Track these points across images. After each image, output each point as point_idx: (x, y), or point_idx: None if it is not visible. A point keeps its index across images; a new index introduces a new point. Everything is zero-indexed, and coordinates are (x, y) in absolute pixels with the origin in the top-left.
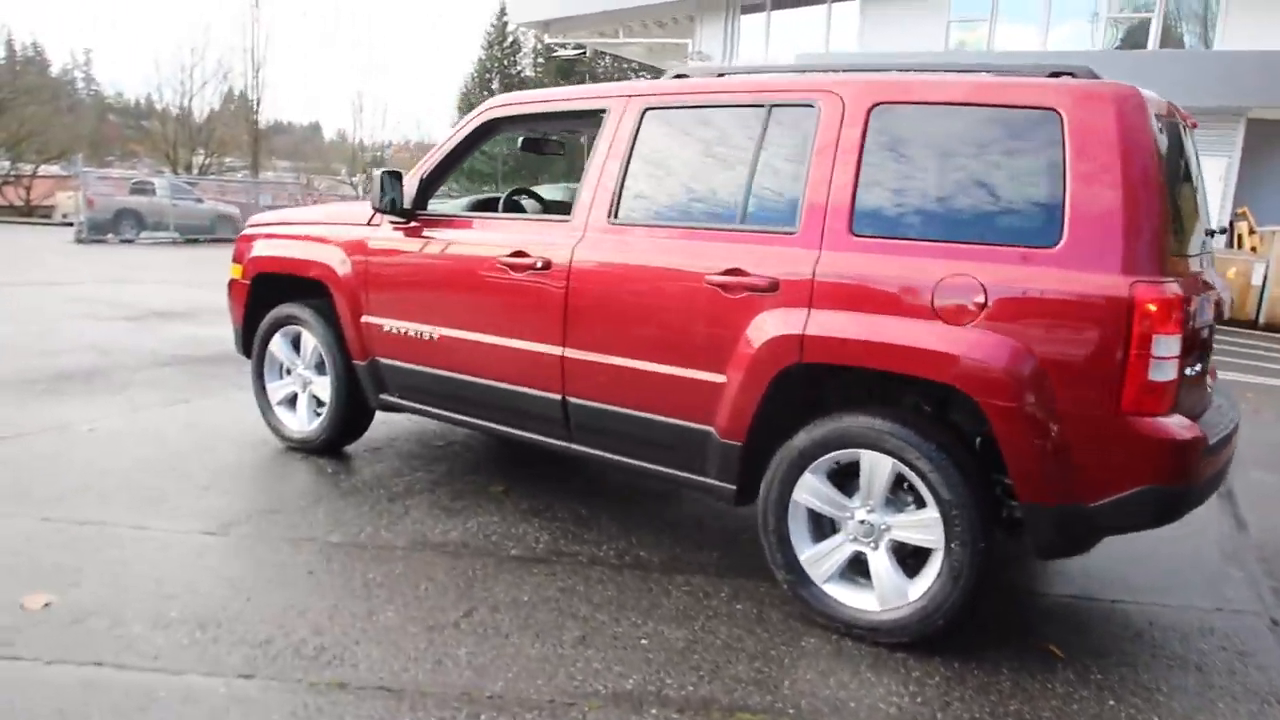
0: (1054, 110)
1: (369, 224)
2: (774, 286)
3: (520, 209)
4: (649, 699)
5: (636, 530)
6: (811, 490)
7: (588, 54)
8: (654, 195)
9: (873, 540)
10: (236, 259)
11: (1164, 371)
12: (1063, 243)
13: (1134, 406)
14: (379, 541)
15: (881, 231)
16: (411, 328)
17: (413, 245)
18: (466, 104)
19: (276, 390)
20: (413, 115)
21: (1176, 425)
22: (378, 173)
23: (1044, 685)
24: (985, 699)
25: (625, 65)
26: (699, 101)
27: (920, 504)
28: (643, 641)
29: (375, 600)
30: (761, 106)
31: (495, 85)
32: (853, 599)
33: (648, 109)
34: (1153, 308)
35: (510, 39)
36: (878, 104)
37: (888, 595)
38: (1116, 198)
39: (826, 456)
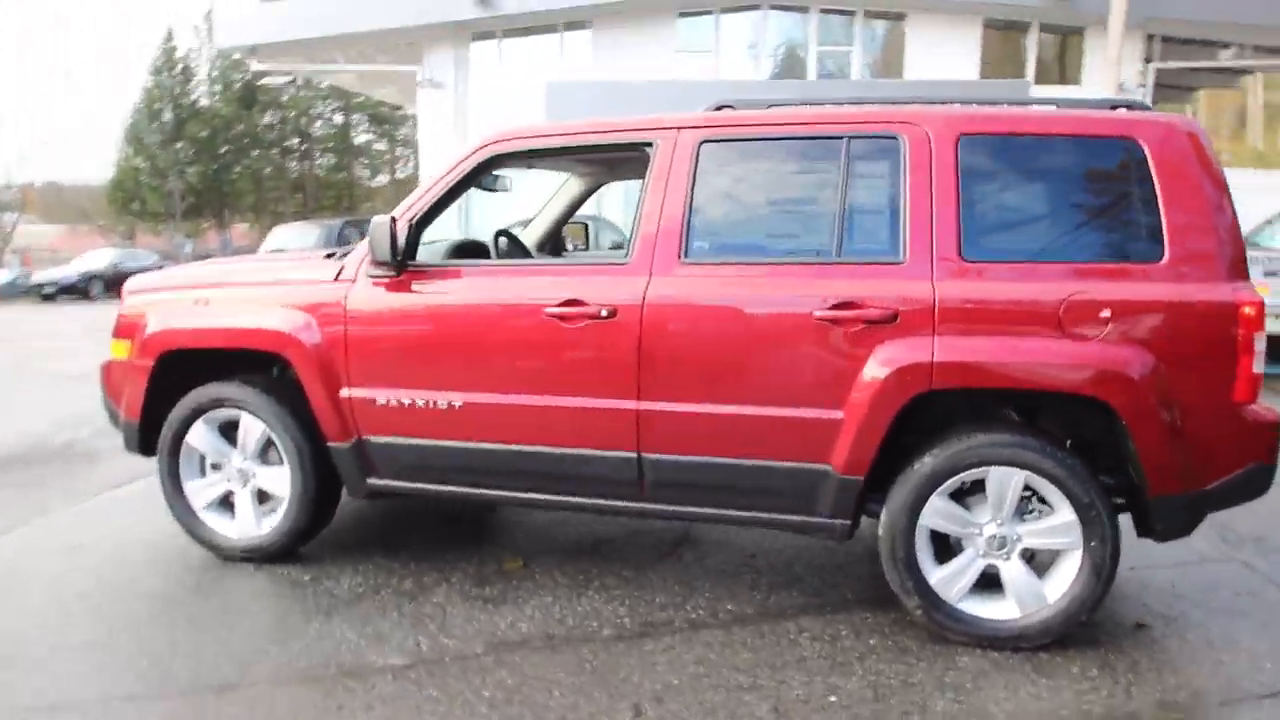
0: (1135, 140)
1: (337, 280)
2: (894, 317)
3: (519, 251)
4: None
5: (694, 582)
6: (939, 512)
7: (298, 81)
8: (731, 231)
9: (1005, 552)
10: (122, 334)
11: (1260, 364)
12: (1166, 258)
13: (1244, 397)
14: (450, 652)
15: (990, 257)
16: (422, 397)
17: (415, 302)
18: (134, 135)
19: (200, 491)
20: (61, 152)
21: (1268, 410)
22: (378, 219)
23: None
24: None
25: (313, 94)
26: (768, 134)
27: (1047, 511)
28: (831, 699)
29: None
30: (840, 139)
31: (167, 115)
32: (990, 611)
33: (705, 141)
34: (1250, 311)
35: (180, 65)
36: (963, 134)
37: (1026, 601)
38: (1209, 219)
39: (955, 478)
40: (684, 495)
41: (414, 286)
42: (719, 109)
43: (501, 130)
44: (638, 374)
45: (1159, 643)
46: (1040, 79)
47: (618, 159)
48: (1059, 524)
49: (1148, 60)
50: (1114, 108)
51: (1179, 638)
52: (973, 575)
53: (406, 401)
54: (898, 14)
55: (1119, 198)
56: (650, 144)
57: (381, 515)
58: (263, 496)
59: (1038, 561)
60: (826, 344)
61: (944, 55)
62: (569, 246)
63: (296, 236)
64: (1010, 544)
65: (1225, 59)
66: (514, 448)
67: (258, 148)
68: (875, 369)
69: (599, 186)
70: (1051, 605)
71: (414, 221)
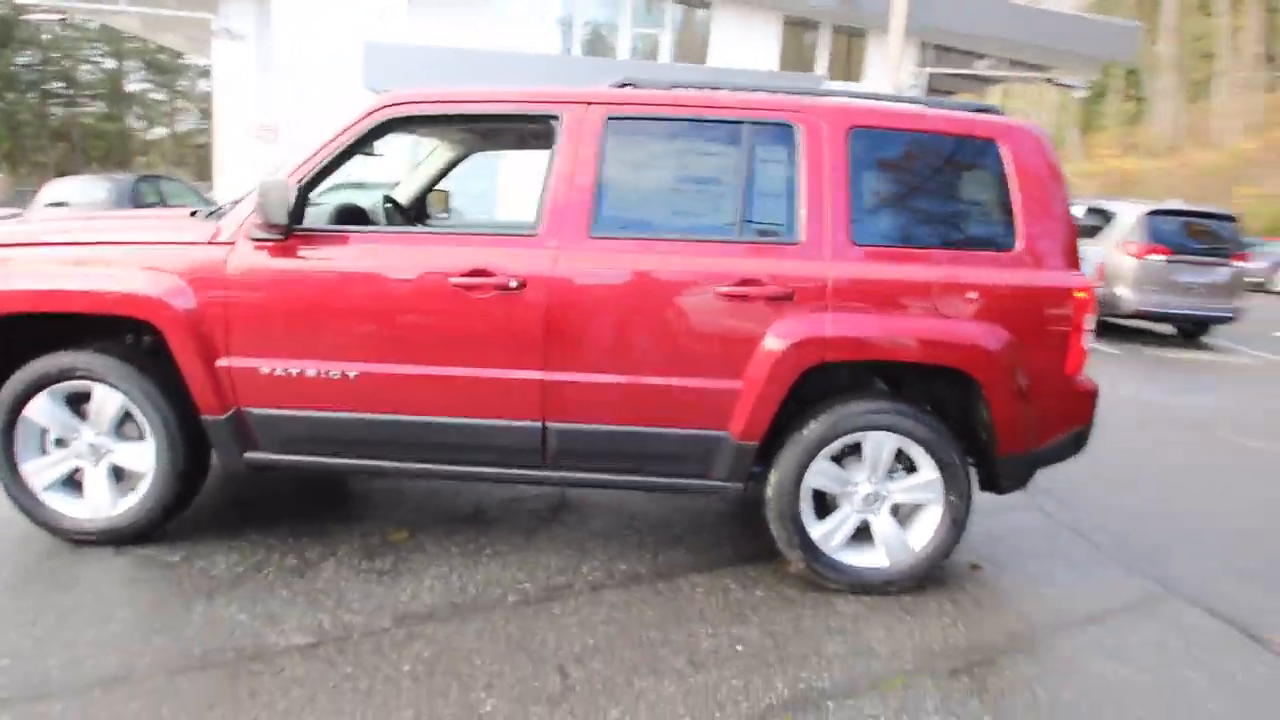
0: (996, 142)
1: (213, 242)
2: (791, 295)
3: (403, 219)
4: (815, 697)
5: (584, 545)
6: (822, 473)
7: (67, 20)
8: (637, 207)
9: (876, 507)
10: None
11: (1088, 341)
12: (1018, 247)
13: (1074, 370)
14: (356, 629)
15: (875, 241)
16: (313, 367)
17: (307, 268)
18: None
19: (41, 471)
20: None
21: (1090, 381)
22: (269, 179)
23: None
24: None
25: (79, 34)
26: (673, 114)
27: (911, 470)
28: (738, 648)
29: (459, 695)
30: (741, 124)
31: None
32: (863, 561)
33: (611, 117)
34: (1083, 295)
35: None
36: (853, 126)
37: (895, 551)
38: (1052, 215)
39: (838, 442)
40: (585, 463)
41: (304, 252)
42: (622, 86)
43: (398, 93)
44: (545, 345)
45: (991, 581)
46: (832, 74)
47: (514, 130)
48: (924, 481)
49: (921, 65)
50: (976, 111)
51: (1006, 577)
52: (849, 529)
53: (295, 372)
54: (704, 3)
55: (982, 192)
56: (556, 117)
57: (248, 489)
58: (118, 474)
59: (900, 515)
60: (729, 318)
61: (747, 46)
62: (432, 215)
63: (80, 191)
64: (881, 500)
65: (981, 68)
66: (413, 419)
67: (12, 90)
68: (774, 343)
69: (469, 155)
70: (916, 553)
71: (303, 184)
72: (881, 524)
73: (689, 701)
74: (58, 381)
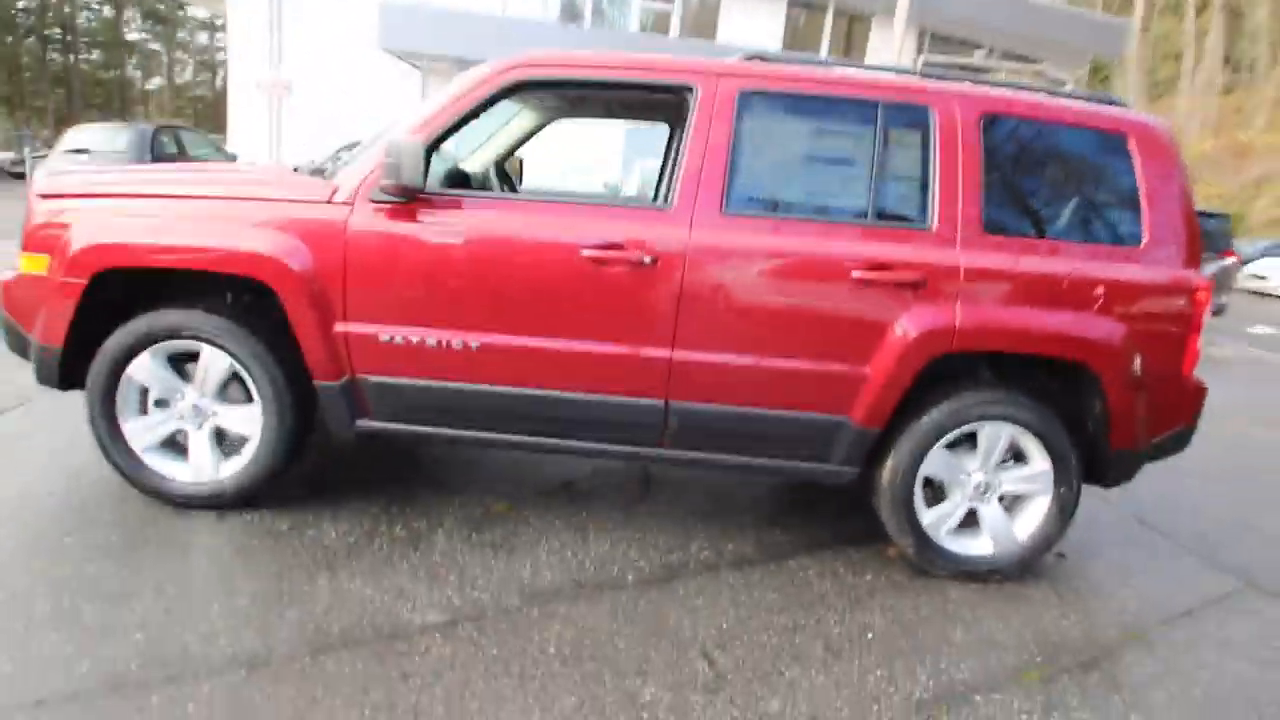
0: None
1: (331, 201)
2: (923, 282)
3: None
4: (960, 689)
5: (686, 524)
6: (937, 462)
7: None
8: (769, 185)
9: (986, 497)
10: (36, 246)
11: (1202, 342)
12: (1144, 243)
13: (1189, 368)
14: (488, 606)
15: (1006, 231)
16: (434, 336)
17: (433, 233)
18: None
19: (143, 431)
20: None
21: (1199, 381)
22: (400, 139)
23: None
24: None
25: None
26: (808, 90)
27: (1020, 460)
28: (869, 636)
29: (614, 681)
30: (874, 104)
31: None
32: (969, 548)
33: (744, 91)
34: (1203, 294)
35: None
36: (984, 113)
37: (1000, 539)
38: (1177, 211)
39: (955, 431)
40: (703, 443)
41: (427, 216)
42: (750, 59)
43: (531, 54)
44: (674, 323)
45: (1080, 571)
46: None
47: (640, 100)
48: (1036, 472)
49: (919, 52)
50: (1105, 104)
51: (1093, 567)
52: (959, 517)
53: (415, 340)
54: None
55: (1110, 185)
56: (690, 88)
57: (334, 453)
58: (224, 439)
59: (1006, 504)
60: (858, 303)
61: (754, 26)
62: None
63: (101, 139)
64: (992, 490)
65: (978, 59)
66: (533, 392)
67: (11, 34)
68: (904, 329)
69: (549, 124)
70: (1022, 543)
71: (428, 146)
72: (990, 513)
73: (842, 693)
74: (163, 340)
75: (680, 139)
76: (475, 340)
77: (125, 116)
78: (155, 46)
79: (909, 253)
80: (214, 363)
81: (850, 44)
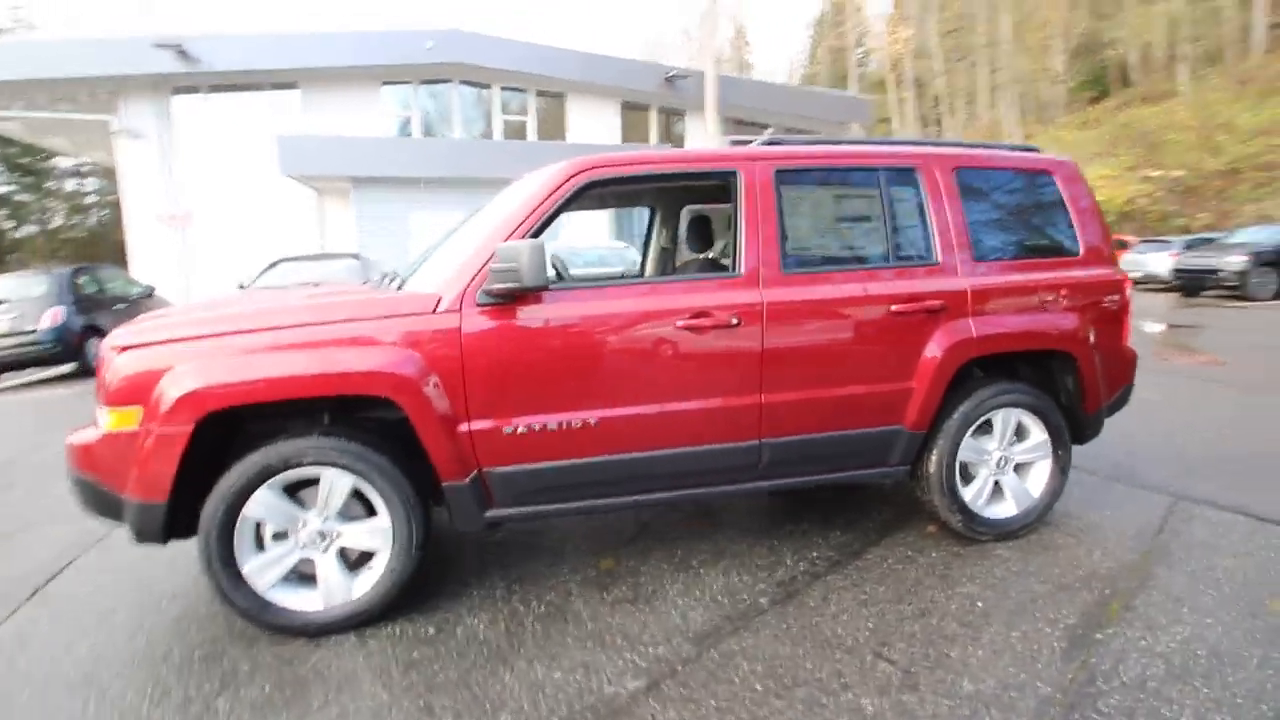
0: (1051, 173)
1: (437, 311)
2: (945, 307)
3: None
4: (1091, 632)
5: (772, 545)
6: (969, 448)
7: None
8: (811, 244)
9: (1005, 468)
10: (124, 399)
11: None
12: (1081, 253)
13: (1125, 339)
14: (675, 659)
15: (990, 257)
16: (555, 420)
17: (541, 325)
18: None
19: (265, 569)
20: None
21: (1132, 349)
22: (518, 244)
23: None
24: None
25: None
26: (826, 164)
27: (1023, 436)
28: (979, 604)
29: (832, 700)
30: (875, 170)
31: None
32: (999, 513)
33: (779, 170)
34: (1129, 283)
35: None
36: (958, 168)
37: (1021, 500)
38: (1097, 225)
39: (979, 421)
40: (790, 469)
41: (527, 312)
42: (770, 144)
43: (593, 157)
44: (761, 372)
45: (1065, 520)
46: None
47: (689, 188)
48: (1037, 442)
49: (724, 134)
50: (1027, 151)
51: (1072, 515)
52: (990, 489)
53: (538, 426)
54: (559, 93)
55: (1049, 211)
56: (734, 173)
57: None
58: (346, 560)
59: (1018, 471)
60: (900, 331)
61: (595, 125)
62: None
63: (19, 287)
64: (1008, 461)
65: (768, 135)
66: (650, 454)
67: None
68: (937, 346)
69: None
70: (1036, 499)
71: None
72: (1009, 480)
73: (1004, 657)
74: (281, 472)
75: (735, 215)
76: (594, 416)
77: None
78: (23, 197)
79: (927, 285)
80: (337, 484)
81: (670, 133)
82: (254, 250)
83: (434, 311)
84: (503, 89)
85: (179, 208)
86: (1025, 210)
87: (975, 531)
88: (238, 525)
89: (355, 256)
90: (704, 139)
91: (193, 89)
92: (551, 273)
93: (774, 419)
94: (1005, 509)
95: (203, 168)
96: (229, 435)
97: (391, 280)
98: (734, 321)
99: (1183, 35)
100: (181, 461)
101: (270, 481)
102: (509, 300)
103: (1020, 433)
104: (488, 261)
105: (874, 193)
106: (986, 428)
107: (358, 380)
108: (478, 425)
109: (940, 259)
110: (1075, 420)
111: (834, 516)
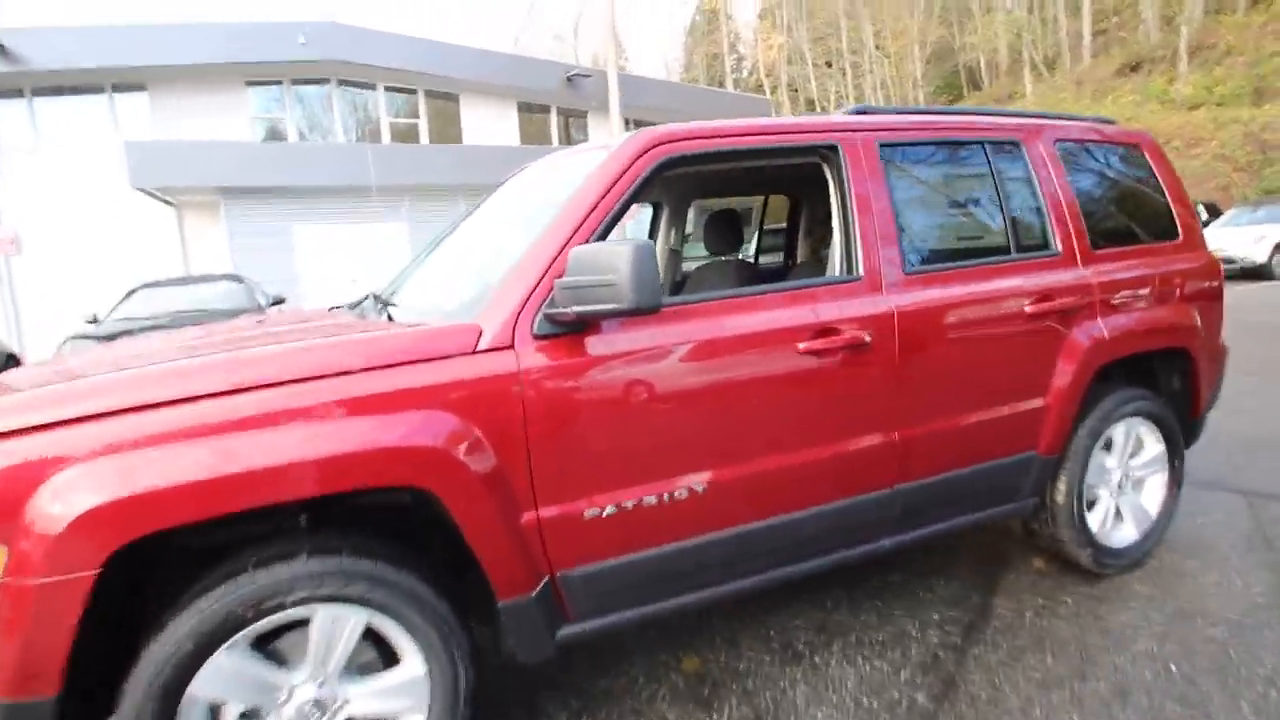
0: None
1: (478, 350)
2: (1076, 306)
3: None
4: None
5: (877, 609)
6: (1094, 469)
7: None
8: (927, 237)
9: (1124, 487)
10: None
11: None
12: (1181, 238)
13: (1220, 330)
14: None
15: (1103, 245)
16: (652, 492)
17: (629, 360)
18: None
19: None
20: None
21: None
22: (621, 246)
23: None
24: None
25: None
26: (931, 136)
27: (1139, 448)
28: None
29: None
30: (982, 144)
31: None
32: (1123, 539)
33: (883, 144)
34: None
35: None
36: (1058, 140)
37: (1140, 521)
38: (1187, 204)
39: (1103, 437)
40: (923, 519)
41: (610, 342)
42: (859, 113)
43: (663, 129)
44: (895, 399)
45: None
46: (560, 146)
47: (778, 167)
48: (1154, 455)
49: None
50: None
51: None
52: (1112, 515)
53: (632, 504)
54: (452, 94)
55: (1148, 192)
56: (833, 146)
57: None
58: None
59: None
60: (1035, 336)
61: (492, 128)
62: None
63: None
64: (1127, 480)
65: None
66: (769, 522)
67: None
68: (1072, 353)
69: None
70: (1154, 518)
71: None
72: (1128, 501)
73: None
74: (252, 623)
75: (843, 201)
76: (700, 481)
77: None
78: None
79: (1054, 280)
80: (341, 626)
81: (570, 136)
82: (103, 277)
83: (474, 351)
84: (388, 89)
85: (4, 232)
86: (1124, 190)
87: (1103, 565)
88: (181, 713)
89: (236, 278)
90: (608, 139)
91: (16, 92)
92: None
93: (910, 458)
94: (1127, 534)
95: (31, 184)
96: (145, 567)
97: (375, 308)
98: (866, 339)
99: (1025, 42)
100: (79, 626)
101: (233, 640)
102: (579, 329)
103: (1136, 445)
104: (546, 272)
105: (983, 170)
106: (1106, 444)
107: (378, 464)
108: (549, 511)
109: (1060, 248)
110: (1182, 426)
111: (894, 555)
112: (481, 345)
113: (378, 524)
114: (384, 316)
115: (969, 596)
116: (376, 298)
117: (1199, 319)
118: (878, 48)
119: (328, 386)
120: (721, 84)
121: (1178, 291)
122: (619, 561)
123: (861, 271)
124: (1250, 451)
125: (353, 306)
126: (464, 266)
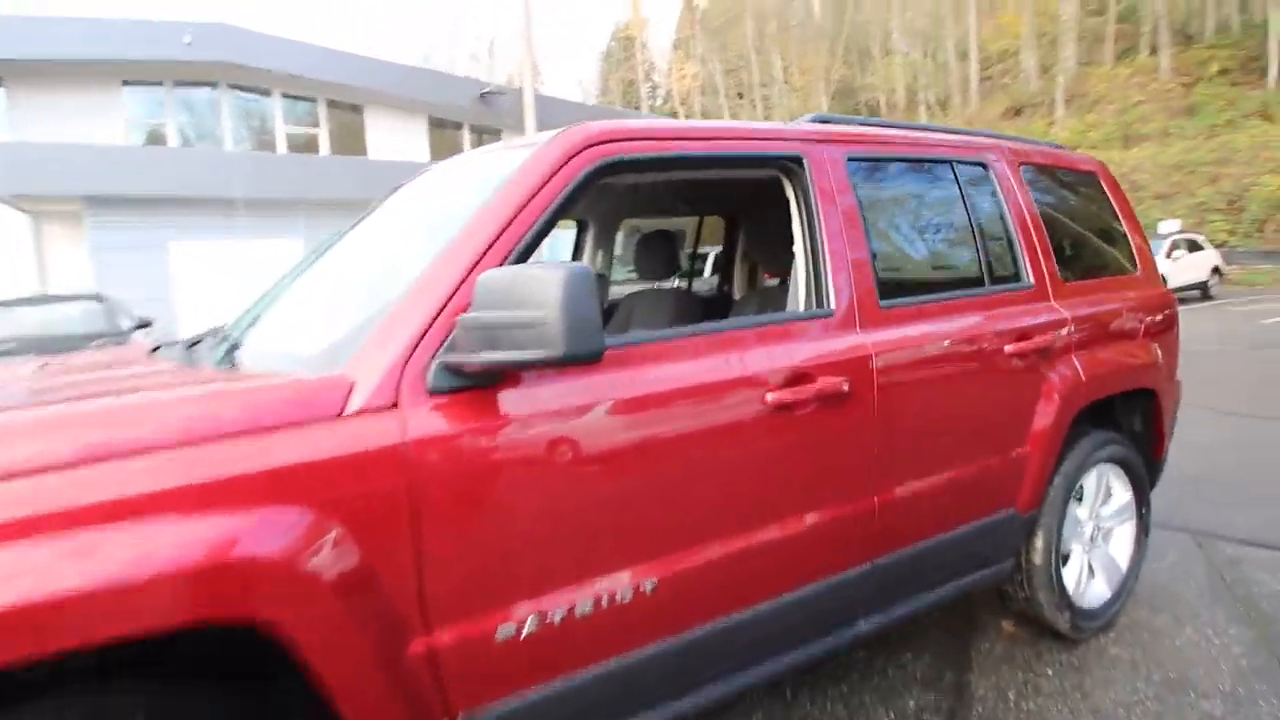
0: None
1: (345, 413)
2: (1053, 343)
3: None
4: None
5: (832, 681)
6: (1070, 521)
7: None
8: (896, 266)
9: (1094, 540)
10: None
11: None
12: (1139, 272)
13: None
14: None
15: (1069, 276)
16: (589, 595)
17: (555, 420)
18: None
19: None
20: None
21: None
22: (548, 271)
23: None
24: None
25: None
26: (901, 153)
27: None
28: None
29: None
30: (950, 162)
31: None
32: (1096, 599)
33: (851, 158)
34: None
35: None
36: (1023, 164)
37: (1111, 575)
38: (1142, 235)
39: (1076, 486)
40: (897, 597)
41: (531, 398)
42: (821, 122)
43: (608, 125)
44: (876, 458)
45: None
46: None
47: (725, 183)
48: (1123, 503)
49: None
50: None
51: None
52: (1085, 572)
53: (561, 614)
54: (355, 104)
55: (1107, 221)
56: (799, 158)
57: None
58: None
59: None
60: (1015, 379)
61: (400, 142)
62: None
63: None
64: (1098, 533)
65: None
66: (726, 621)
67: None
68: (1052, 396)
69: None
70: (1124, 571)
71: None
72: (1098, 555)
73: None
74: None
75: (807, 220)
76: (649, 578)
77: None
78: None
79: (1029, 315)
80: None
81: None
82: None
83: (340, 415)
84: (285, 96)
85: None
86: (1085, 219)
87: (1080, 630)
88: None
89: (96, 298)
90: None
91: None
92: None
93: (889, 526)
94: (1099, 592)
95: None
96: None
97: (216, 350)
98: (845, 387)
99: (920, 84)
100: None
101: None
102: (490, 381)
103: (1106, 494)
104: (445, 305)
105: (953, 192)
106: (1079, 494)
107: (178, 593)
108: (446, 636)
109: (1031, 280)
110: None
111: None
112: (352, 406)
113: (201, 661)
114: (227, 363)
115: (943, 674)
116: (222, 336)
117: (1162, 354)
118: (786, 82)
119: (108, 475)
120: (637, 108)
121: (1142, 327)
122: (549, 690)
123: (833, 305)
124: (1195, 487)
125: (189, 345)
126: (336, 295)
